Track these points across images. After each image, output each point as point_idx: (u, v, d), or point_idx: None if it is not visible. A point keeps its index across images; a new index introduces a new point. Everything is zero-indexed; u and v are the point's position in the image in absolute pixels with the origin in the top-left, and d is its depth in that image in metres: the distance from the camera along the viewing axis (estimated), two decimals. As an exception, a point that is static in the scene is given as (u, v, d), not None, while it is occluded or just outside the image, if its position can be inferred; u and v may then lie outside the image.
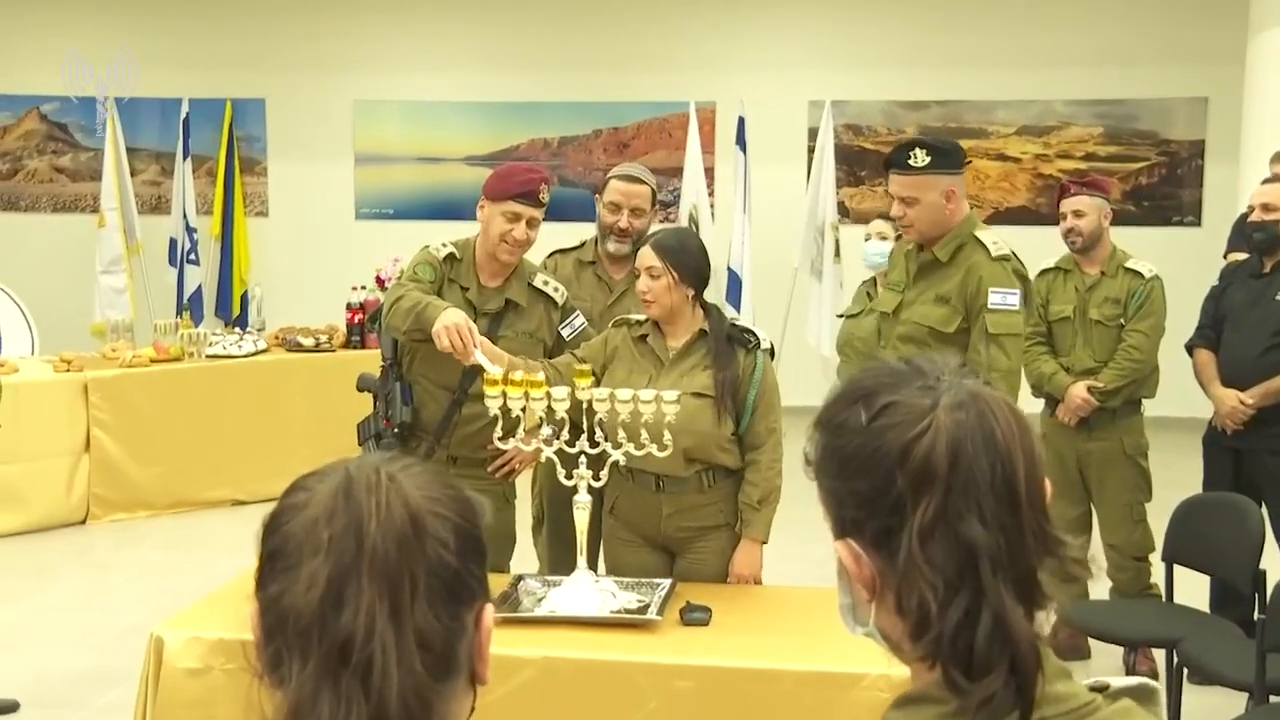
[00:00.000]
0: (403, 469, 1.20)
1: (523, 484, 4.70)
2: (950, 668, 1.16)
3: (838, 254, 9.23)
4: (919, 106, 10.87)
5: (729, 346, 3.78)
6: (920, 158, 4.02)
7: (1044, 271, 5.49)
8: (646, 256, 3.78)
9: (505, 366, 3.63)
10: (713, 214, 9.94)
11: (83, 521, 7.47)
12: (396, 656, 1.10)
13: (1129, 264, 5.40)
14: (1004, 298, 3.98)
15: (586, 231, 4.69)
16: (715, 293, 9.33)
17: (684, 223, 9.57)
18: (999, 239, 4.08)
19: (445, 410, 4.08)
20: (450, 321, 3.69)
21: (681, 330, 3.84)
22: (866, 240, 5.76)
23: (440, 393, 4.08)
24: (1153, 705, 1.29)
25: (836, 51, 10.91)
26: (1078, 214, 5.37)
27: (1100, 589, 5.48)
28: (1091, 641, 5.16)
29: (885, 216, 5.73)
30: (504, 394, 3.52)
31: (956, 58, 10.73)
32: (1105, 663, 5.12)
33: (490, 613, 1.22)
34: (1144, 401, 5.44)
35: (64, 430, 7.41)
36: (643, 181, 4.55)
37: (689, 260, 3.80)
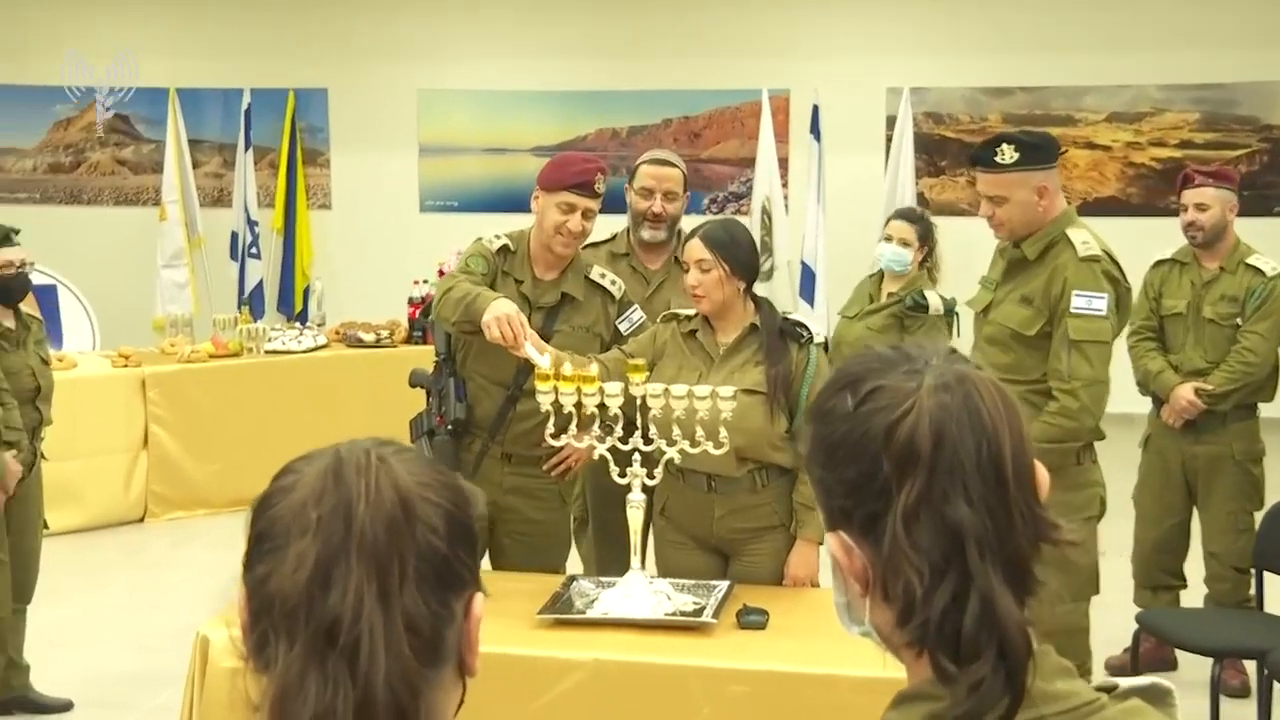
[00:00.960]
0: (394, 452, 1.21)
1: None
2: (937, 654, 1.16)
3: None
4: (1003, 93, 10.77)
5: (781, 341, 3.76)
6: (1008, 154, 3.91)
7: (1159, 263, 5.38)
8: (696, 249, 3.77)
9: (554, 360, 3.65)
10: (786, 206, 9.93)
11: (140, 519, 7.62)
12: (384, 639, 1.11)
13: (1251, 260, 5.24)
14: (1089, 301, 3.86)
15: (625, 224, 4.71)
16: (789, 287, 9.32)
17: (756, 215, 9.57)
18: (1092, 238, 3.95)
19: (500, 407, 4.10)
20: (500, 312, 3.71)
21: (732, 325, 3.83)
22: (886, 240, 5.54)
23: (495, 389, 4.11)
24: (1166, 706, 1.27)
25: (916, 36, 10.83)
26: (1200, 207, 5.21)
27: (1195, 599, 5.40)
28: (1178, 653, 5.08)
29: (907, 216, 5.62)
30: (555, 389, 3.53)
31: (1042, 41, 10.61)
32: (1194, 675, 5.04)
33: (480, 602, 1.22)
34: (1261, 405, 5.30)
35: (122, 427, 7.54)
36: (673, 164, 4.59)
37: (740, 253, 3.79)
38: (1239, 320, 5.20)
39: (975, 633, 1.15)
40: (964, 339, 5.12)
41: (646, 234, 4.53)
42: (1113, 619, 4.83)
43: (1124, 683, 1.26)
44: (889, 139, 10.08)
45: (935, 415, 1.19)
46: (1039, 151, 3.96)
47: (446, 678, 1.20)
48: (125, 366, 7.65)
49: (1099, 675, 4.20)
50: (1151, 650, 5.09)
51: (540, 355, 3.67)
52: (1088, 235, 3.96)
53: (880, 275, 5.59)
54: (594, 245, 4.62)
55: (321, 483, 1.17)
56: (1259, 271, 5.22)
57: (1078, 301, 3.87)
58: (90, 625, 6.01)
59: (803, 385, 3.73)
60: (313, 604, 1.12)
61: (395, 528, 1.15)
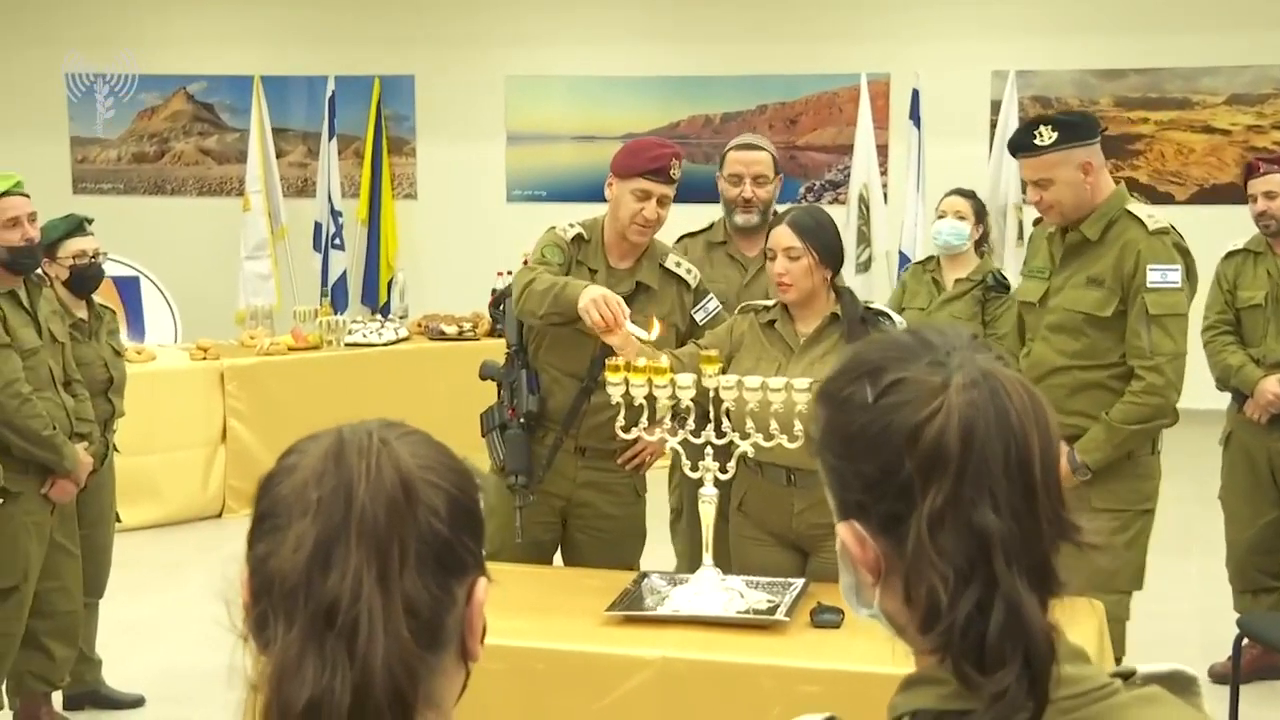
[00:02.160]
0: (399, 435, 1.24)
1: (659, 477, 4.76)
2: (961, 661, 1.17)
3: (1020, 236, 9.09)
4: (1114, 75, 10.63)
5: (864, 330, 3.78)
6: (1046, 135, 3.96)
7: (1231, 254, 5.35)
8: (784, 237, 3.79)
9: (659, 330, 3.71)
10: (885, 195, 9.88)
11: (218, 515, 7.79)
12: (384, 622, 1.14)
13: None
14: (1164, 274, 3.91)
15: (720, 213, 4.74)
16: (886, 278, 9.28)
17: (853, 204, 9.54)
18: (1155, 211, 4.04)
19: (573, 399, 4.14)
20: (597, 294, 3.75)
21: (813, 315, 3.86)
22: (941, 218, 5.61)
23: (568, 381, 4.15)
24: (1190, 695, 1.27)
25: (1022, 16, 10.72)
26: (1270, 195, 5.20)
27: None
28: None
29: (961, 192, 5.68)
30: (626, 381, 3.57)
31: (1156, 19, 10.45)
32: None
33: (483, 587, 1.25)
34: None
35: (200, 420, 7.72)
36: (761, 148, 4.64)
37: (828, 239, 3.83)
38: None
39: (1000, 641, 1.16)
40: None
41: (739, 219, 4.57)
42: (1214, 625, 4.78)
43: (1143, 669, 1.27)
44: (993, 125, 9.99)
45: (964, 416, 1.19)
46: (1078, 129, 4.01)
47: (447, 663, 1.23)
48: (204, 359, 7.81)
49: (1204, 686, 4.16)
50: (1259, 657, 5.03)
51: (646, 331, 3.70)
52: (1151, 209, 4.05)
53: (935, 263, 5.69)
54: (691, 235, 4.67)
55: (323, 464, 1.20)
56: None
57: (1153, 275, 3.92)
58: (165, 621, 6.14)
59: None
60: (312, 585, 1.16)
61: (396, 510, 1.18)
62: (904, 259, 9.28)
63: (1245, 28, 10.33)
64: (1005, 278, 5.53)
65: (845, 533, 1.27)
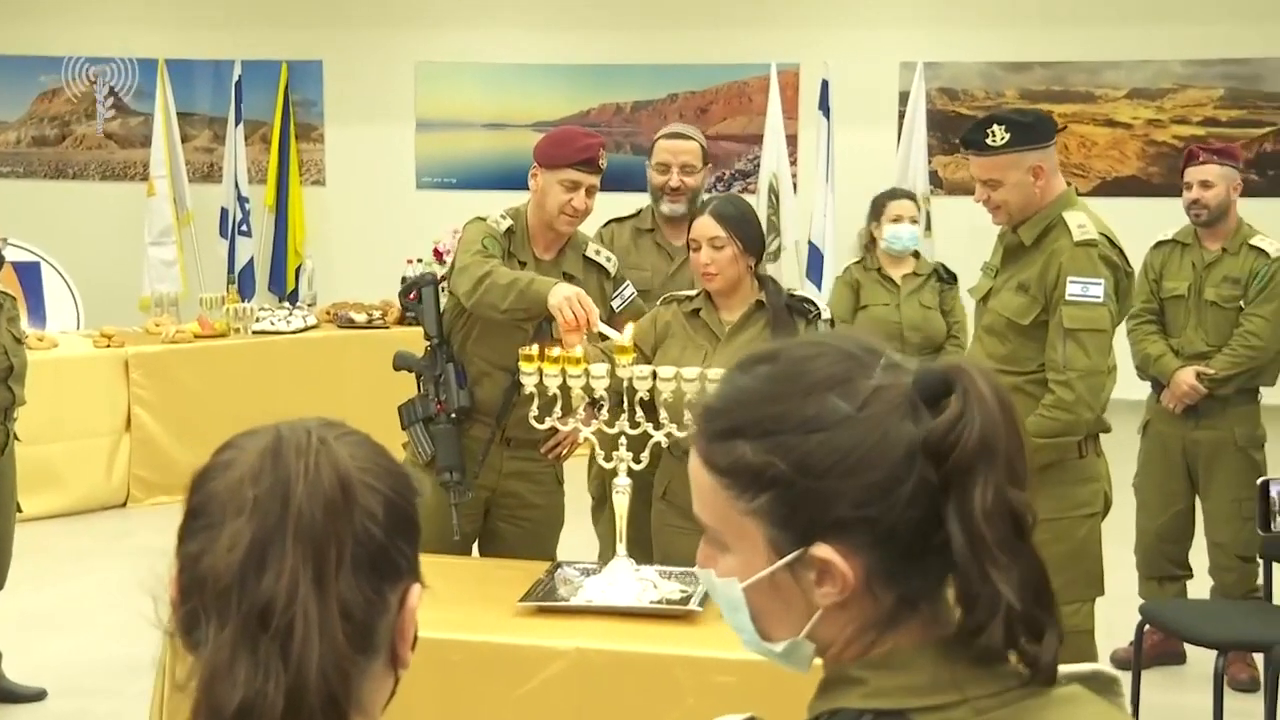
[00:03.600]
0: (339, 435, 1.22)
1: (577, 465, 4.74)
2: (1023, 643, 1.18)
3: (929, 227, 9.16)
4: (1020, 68, 10.76)
5: (789, 317, 3.80)
6: (999, 135, 3.87)
7: (1160, 244, 5.39)
8: (707, 227, 3.80)
9: (635, 334, 3.71)
10: (794, 184, 9.92)
11: (123, 504, 7.66)
12: (319, 625, 1.12)
13: (1254, 241, 5.27)
14: (1084, 288, 3.80)
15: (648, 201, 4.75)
16: (796, 268, 9.33)
17: (763, 194, 9.57)
18: (1089, 221, 3.91)
19: (504, 391, 4.11)
20: (570, 293, 3.72)
21: (737, 303, 3.87)
22: (896, 222, 5.69)
23: (498, 373, 4.11)
24: (1112, 695, 1.27)
25: (930, 8, 10.83)
26: (1205, 184, 5.23)
27: (1201, 590, 5.42)
28: (1188, 646, 5.10)
29: (907, 195, 5.79)
30: (540, 371, 3.56)
31: (1061, 14, 10.60)
32: (1203, 670, 5.05)
33: (417, 593, 1.23)
34: (1263, 390, 5.34)
35: (104, 409, 7.59)
36: (689, 137, 4.66)
37: (751, 229, 3.85)
38: (1242, 303, 5.22)
39: (1041, 610, 1.18)
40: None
41: (666, 208, 4.58)
42: (1117, 611, 4.85)
43: (1064, 669, 1.26)
44: (901, 115, 10.07)
45: (987, 412, 1.19)
46: (1032, 131, 3.92)
47: (377, 668, 1.21)
48: (108, 347, 7.69)
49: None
50: (1160, 644, 5.11)
51: (618, 332, 3.68)
52: (1084, 218, 3.91)
53: (874, 260, 5.78)
54: (619, 220, 4.67)
55: (260, 461, 1.18)
56: (1263, 253, 5.24)
57: (1073, 288, 3.81)
58: (68, 612, 6.04)
59: None
60: (245, 585, 1.13)
61: (333, 511, 1.16)
62: (813, 249, 9.34)
63: (1146, 22, 10.50)
64: (950, 270, 5.71)
65: (822, 553, 1.21)
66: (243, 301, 8.44)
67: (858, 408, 1.20)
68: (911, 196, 5.72)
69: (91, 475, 7.56)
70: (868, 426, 1.19)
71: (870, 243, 5.83)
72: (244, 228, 11.11)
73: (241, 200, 11.09)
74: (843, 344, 1.26)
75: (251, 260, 11.15)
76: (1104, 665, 1.31)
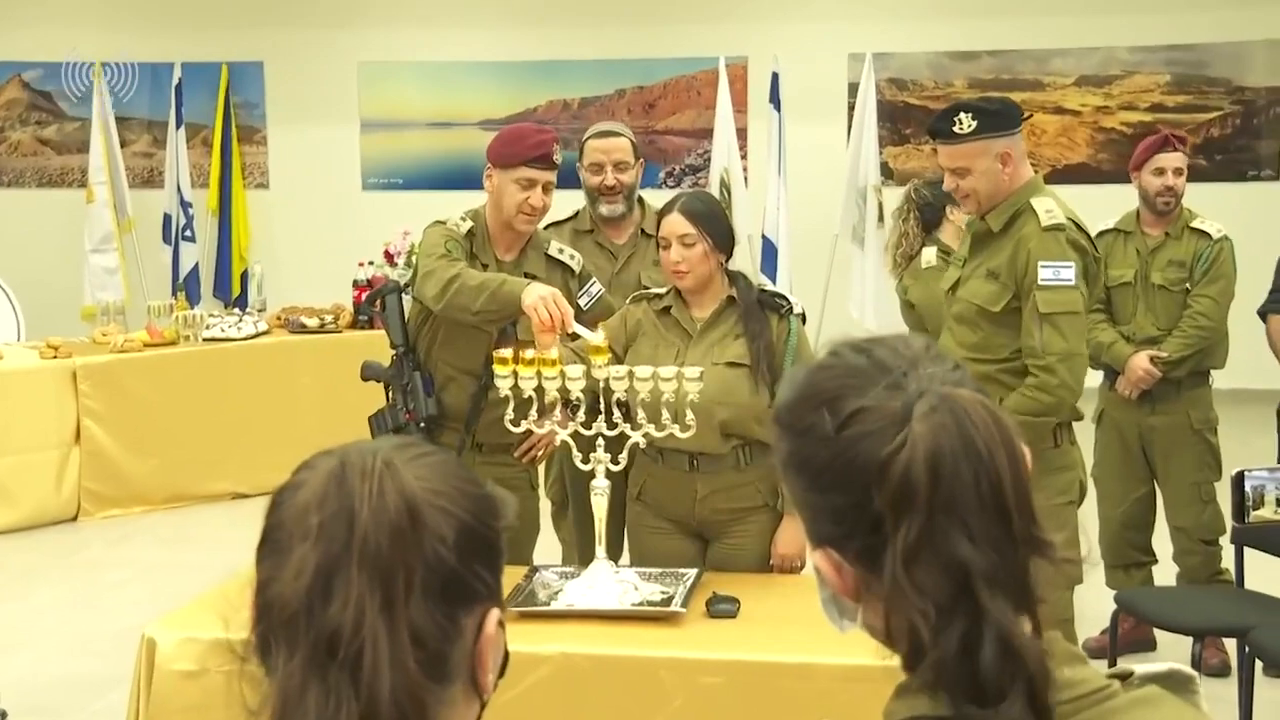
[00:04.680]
0: (411, 458, 1.21)
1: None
2: (958, 697, 1.15)
3: (881, 219, 9.19)
4: (968, 58, 10.83)
5: (761, 312, 3.81)
6: (966, 123, 3.91)
7: (1102, 233, 5.43)
8: (677, 225, 3.79)
9: (607, 335, 3.70)
10: (746, 178, 9.93)
11: (74, 518, 7.55)
12: (389, 652, 1.11)
13: (1195, 224, 5.36)
14: (1056, 272, 3.85)
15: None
16: (749, 262, 9.34)
17: (715, 188, 9.58)
18: (1056, 206, 3.95)
19: (471, 397, 4.10)
20: (545, 292, 3.71)
21: (708, 300, 3.87)
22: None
23: (464, 378, 4.11)
24: (1188, 694, 1.27)
25: (878, 0, 10.87)
26: (1179, 171, 5.32)
27: (1167, 575, 5.48)
28: (1158, 633, 5.15)
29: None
30: (515, 374, 3.55)
31: (1008, 3, 10.68)
32: (1174, 655, 5.11)
33: (494, 618, 1.22)
34: (1213, 373, 5.41)
35: (52, 421, 7.48)
36: (618, 134, 4.64)
37: (721, 225, 3.86)
38: (1189, 285, 5.30)
39: (997, 673, 1.14)
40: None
41: (604, 209, 4.56)
42: (1088, 600, 4.89)
43: (1140, 669, 1.26)
44: (851, 107, 10.09)
45: (929, 449, 1.17)
46: (999, 118, 3.96)
47: (455, 695, 1.20)
48: (55, 358, 7.59)
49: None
50: (1130, 631, 5.16)
51: (592, 332, 3.67)
52: (1052, 203, 3.96)
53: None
54: (557, 224, 4.64)
55: (325, 486, 1.17)
56: (1205, 234, 5.34)
57: (1044, 273, 3.86)
58: (22, 629, 5.96)
59: (785, 357, 3.78)
60: (313, 613, 1.13)
61: (400, 537, 1.15)
62: (767, 243, 9.35)
63: (1093, 10, 10.59)
64: None
65: (821, 561, 1.25)
66: (191, 308, 8.35)
67: (837, 428, 1.21)
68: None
69: (40, 489, 7.45)
70: (839, 448, 1.21)
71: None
72: (188, 233, 11.00)
73: (184, 205, 10.98)
74: (870, 354, 1.26)
75: (196, 266, 11.04)
76: (1181, 665, 1.31)
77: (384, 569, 1.13)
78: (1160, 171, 5.33)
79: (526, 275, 4.06)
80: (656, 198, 4.65)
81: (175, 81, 11.13)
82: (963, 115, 3.93)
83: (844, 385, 1.23)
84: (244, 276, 10.89)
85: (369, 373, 4.28)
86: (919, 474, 1.16)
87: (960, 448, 1.17)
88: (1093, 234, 5.33)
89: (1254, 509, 4.47)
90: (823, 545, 1.25)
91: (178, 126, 11.08)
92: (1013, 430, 1.22)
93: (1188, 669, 1.30)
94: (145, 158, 11.65)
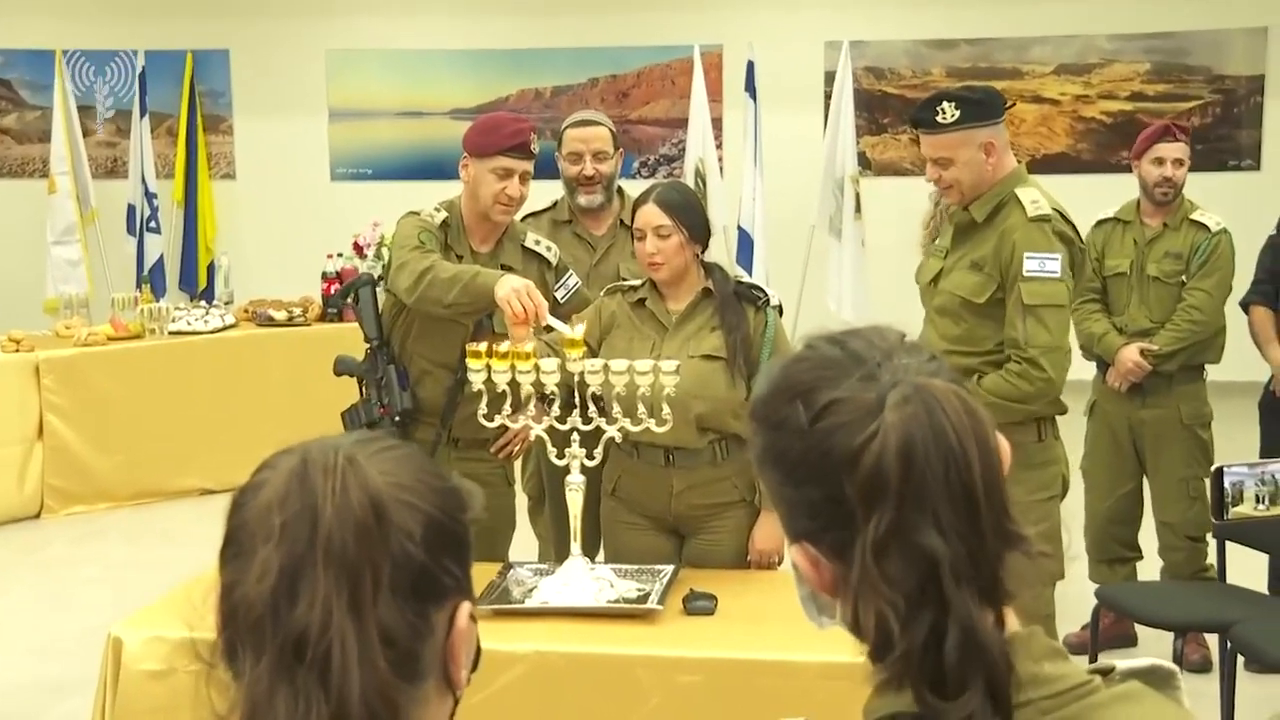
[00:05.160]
0: (374, 453, 1.20)
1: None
2: (922, 688, 1.16)
3: (859, 209, 9.23)
4: (946, 46, 10.84)
5: (737, 304, 3.81)
6: (949, 112, 3.91)
7: (1101, 222, 5.44)
8: (653, 215, 3.79)
9: (588, 328, 3.69)
10: (721, 169, 9.93)
11: (37, 516, 7.51)
12: (358, 652, 1.11)
13: (1194, 215, 5.35)
14: (1041, 263, 3.85)
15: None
16: (724, 254, 9.34)
17: (690, 179, 9.58)
18: (1042, 197, 3.95)
19: (447, 390, 4.09)
20: (519, 284, 3.70)
21: (684, 292, 3.87)
22: None
23: (440, 372, 4.10)
24: (1170, 689, 1.28)
25: (855, -14, 10.89)
26: (1179, 162, 5.31)
27: (1151, 570, 5.50)
28: (1139, 628, 5.17)
29: None
30: (488, 368, 3.53)
31: (987, -9, 10.70)
32: (1154, 650, 5.13)
33: (466, 613, 1.22)
34: (1207, 367, 5.41)
35: (14, 417, 7.43)
36: (598, 123, 4.66)
37: (697, 216, 3.85)
38: (1184, 278, 5.29)
39: (960, 665, 1.15)
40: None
41: (583, 199, 4.57)
42: (1069, 595, 4.90)
43: (1121, 664, 1.26)
44: (828, 96, 10.12)
45: (901, 439, 1.17)
46: (982, 107, 3.96)
47: (429, 693, 1.20)
48: (16, 351, 7.55)
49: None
50: (1110, 626, 5.17)
51: (570, 326, 3.65)
52: (1037, 194, 3.95)
53: None
54: (535, 214, 4.63)
55: (287, 485, 1.17)
56: (1203, 227, 5.33)
57: (1029, 264, 3.85)
58: (-13, 630, 5.94)
59: (762, 349, 3.78)
60: (278, 615, 1.12)
61: (365, 534, 1.14)
62: (743, 234, 9.36)
63: (1072, -2, 10.63)
64: None
65: (797, 556, 1.25)
66: (156, 301, 8.31)
67: (811, 420, 1.22)
68: None
69: (2, 486, 7.40)
70: (813, 440, 1.21)
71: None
72: (152, 224, 10.93)
73: (149, 196, 10.91)
74: (844, 345, 1.26)
75: (161, 258, 10.97)
76: (1163, 660, 1.31)
77: (350, 567, 1.13)
78: (1160, 161, 5.33)
79: (503, 267, 4.05)
80: (631, 188, 4.66)
81: (139, 70, 11.07)
82: (946, 104, 3.93)
83: (818, 377, 1.24)
84: (210, 269, 10.85)
85: (342, 367, 4.27)
86: (890, 464, 1.17)
87: (932, 438, 1.18)
88: (1087, 224, 5.37)
89: (1233, 505, 4.49)
90: (799, 540, 1.25)
91: (142, 115, 11.01)
92: (987, 422, 1.22)
93: (1169, 664, 1.31)
94: (108, 147, 11.58)
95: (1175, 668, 1.31)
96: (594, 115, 4.79)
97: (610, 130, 4.66)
